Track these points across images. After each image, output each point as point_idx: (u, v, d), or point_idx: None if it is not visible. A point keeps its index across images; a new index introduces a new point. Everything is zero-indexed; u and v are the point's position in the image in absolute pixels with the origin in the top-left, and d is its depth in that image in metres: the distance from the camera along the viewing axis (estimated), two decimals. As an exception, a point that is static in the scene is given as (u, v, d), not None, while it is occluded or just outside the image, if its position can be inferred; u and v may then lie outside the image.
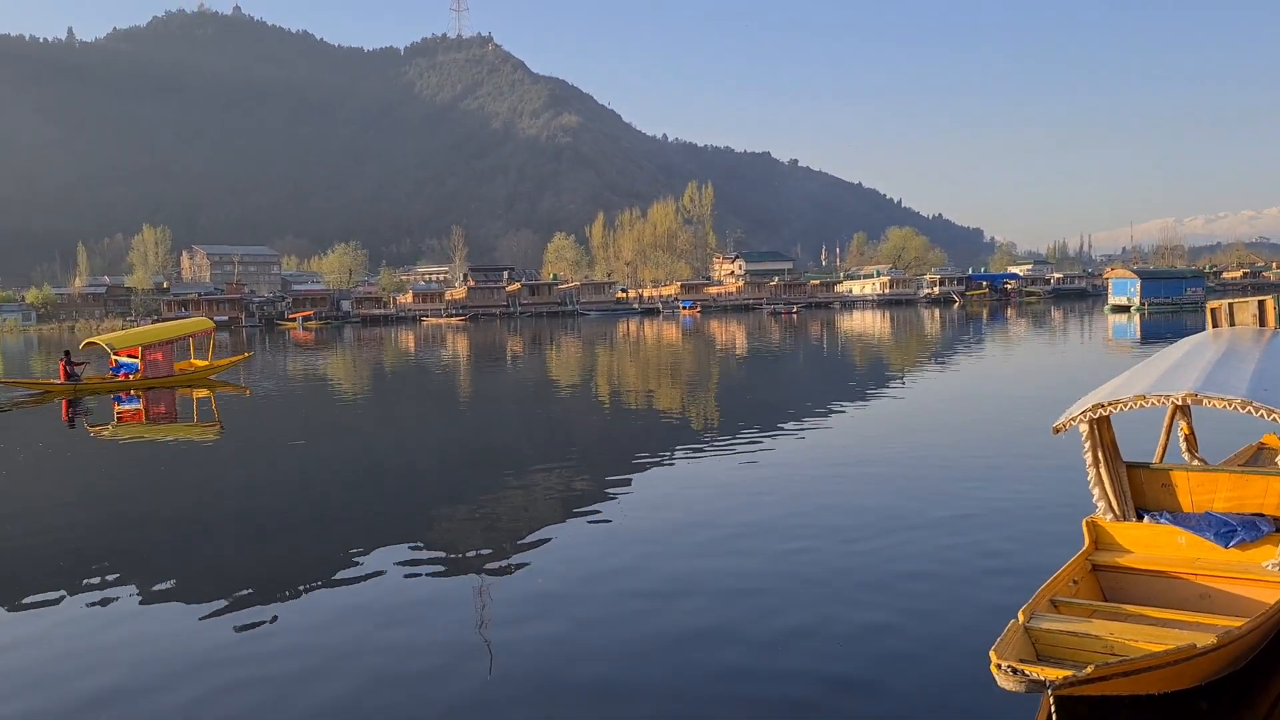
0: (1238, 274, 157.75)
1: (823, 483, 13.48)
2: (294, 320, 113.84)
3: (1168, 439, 9.29)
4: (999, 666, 5.26)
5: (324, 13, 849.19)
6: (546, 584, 9.00)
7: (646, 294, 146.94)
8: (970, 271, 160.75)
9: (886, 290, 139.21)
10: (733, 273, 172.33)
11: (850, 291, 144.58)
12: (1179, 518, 7.49)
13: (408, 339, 71.56)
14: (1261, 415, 6.44)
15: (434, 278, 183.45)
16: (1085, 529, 7.62)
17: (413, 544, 10.73)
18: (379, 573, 9.58)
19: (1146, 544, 7.44)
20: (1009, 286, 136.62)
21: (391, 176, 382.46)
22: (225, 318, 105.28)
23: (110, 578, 9.61)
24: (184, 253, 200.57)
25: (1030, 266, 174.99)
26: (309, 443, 19.89)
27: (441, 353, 53.20)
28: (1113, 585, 7.30)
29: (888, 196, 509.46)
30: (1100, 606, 6.64)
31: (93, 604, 8.82)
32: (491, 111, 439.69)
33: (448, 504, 13.28)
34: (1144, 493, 7.83)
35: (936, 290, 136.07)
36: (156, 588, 9.29)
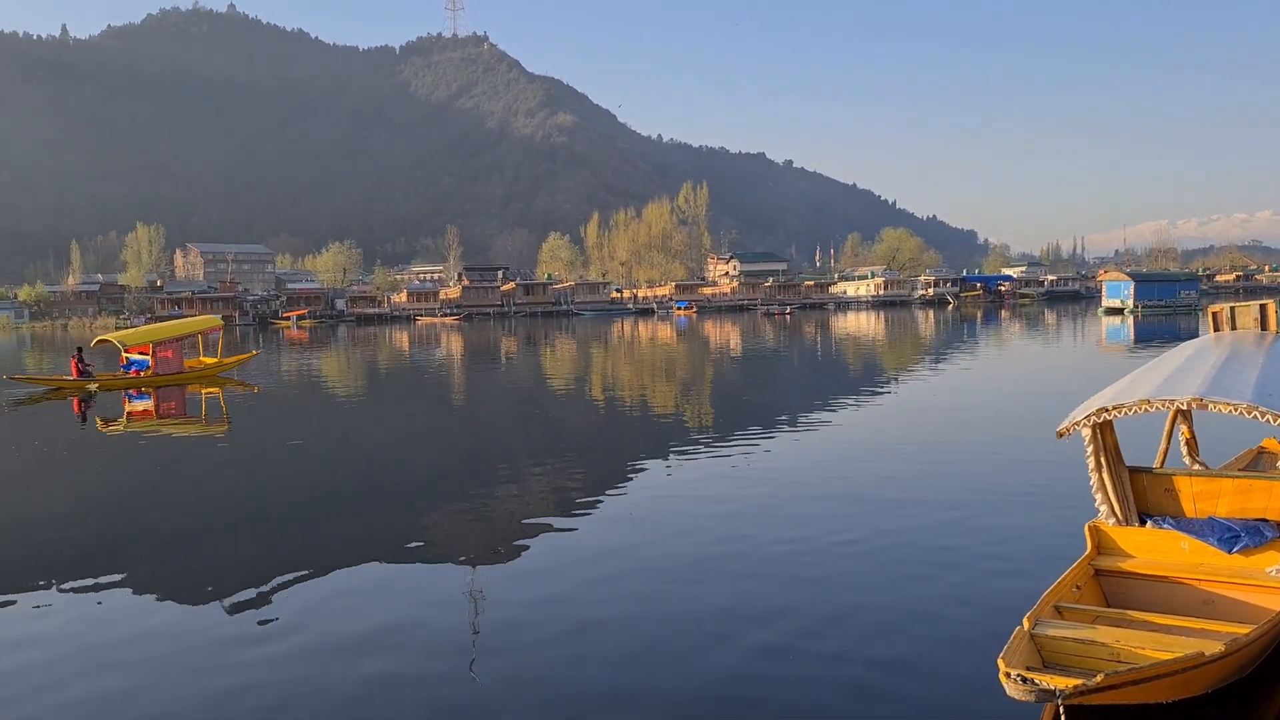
0: (1230, 277, 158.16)
1: (820, 487, 13.44)
2: (288, 319, 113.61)
3: (1169, 443, 9.25)
4: (1008, 675, 5.23)
5: (319, 11, 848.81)
6: (541, 585, 8.94)
7: (641, 294, 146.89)
8: (964, 273, 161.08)
9: (881, 291, 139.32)
10: (727, 273, 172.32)
11: (844, 292, 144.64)
12: (1182, 523, 7.45)
13: (402, 338, 71.44)
14: (1268, 420, 6.42)
15: (429, 277, 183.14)
16: (1088, 534, 7.58)
17: (411, 544, 10.66)
18: (379, 573, 9.51)
19: (1149, 549, 7.40)
20: (1003, 288, 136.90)
21: (386, 175, 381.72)
22: (219, 316, 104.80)
23: (113, 575, 9.52)
24: (178, 251, 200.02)
25: (1024, 268, 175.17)
26: (306, 442, 19.80)
27: (436, 352, 53.11)
28: (1116, 590, 7.26)
29: (882, 198, 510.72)
30: (1104, 612, 6.59)
31: (88, 602, 8.74)
32: (486, 111, 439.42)
33: (442, 504, 13.21)
34: (1146, 497, 7.79)
35: (931, 292, 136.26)
36: (156, 586, 9.21)
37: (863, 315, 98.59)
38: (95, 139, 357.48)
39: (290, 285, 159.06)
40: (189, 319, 39.83)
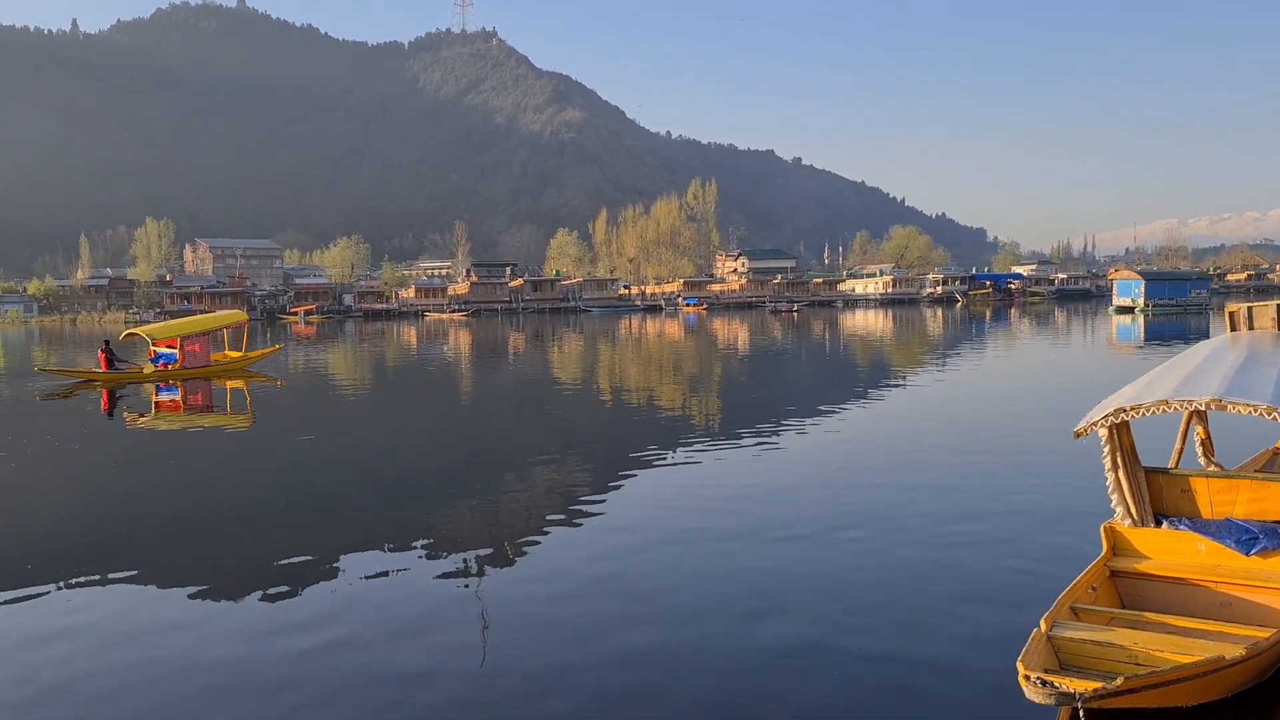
0: (1242, 276, 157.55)
1: (830, 484, 13.36)
2: (296, 314, 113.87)
3: (1184, 444, 9.16)
4: (1027, 678, 5.18)
5: (328, 6, 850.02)
6: (550, 581, 8.89)
7: (649, 291, 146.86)
8: (974, 271, 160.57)
9: (889, 289, 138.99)
10: (735, 270, 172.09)
11: (853, 290, 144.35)
12: (1198, 524, 7.36)
13: (410, 334, 71.48)
14: None
15: (436, 273, 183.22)
16: (1104, 534, 7.50)
17: (420, 540, 10.62)
18: (385, 569, 9.47)
19: (1166, 550, 7.32)
20: (1012, 287, 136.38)
21: (394, 171, 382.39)
22: (224, 311, 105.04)
23: (131, 568, 9.50)
24: (187, 246, 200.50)
25: (1034, 267, 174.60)
26: (318, 438, 19.82)
27: (444, 348, 53.12)
28: (1131, 592, 7.19)
29: (891, 195, 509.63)
30: (1120, 614, 6.53)
31: (104, 593, 8.73)
32: (495, 107, 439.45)
33: (450, 499, 13.17)
34: (1163, 498, 7.70)
35: (939, 290, 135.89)
36: (163, 579, 9.19)
37: (871, 313, 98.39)
38: (105, 133, 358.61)
39: (298, 280, 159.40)
40: (216, 314, 40.40)
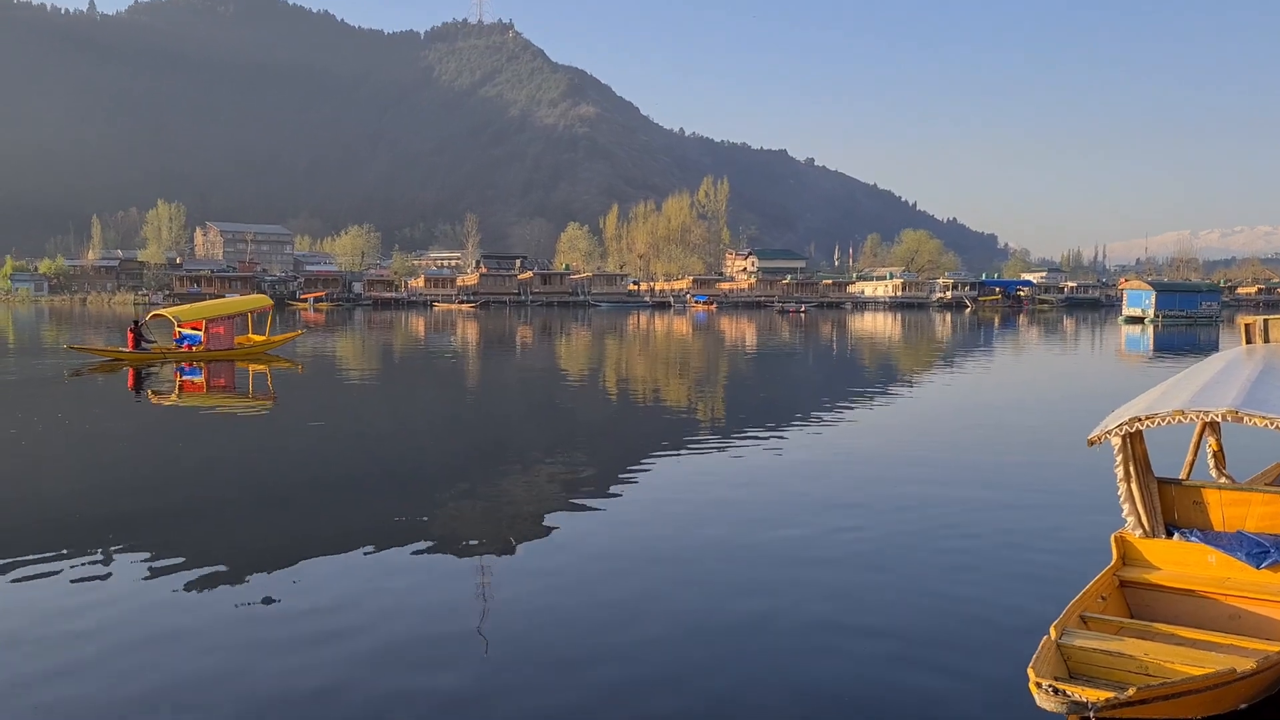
0: (1252, 290, 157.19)
1: (837, 488, 13.30)
2: (305, 300, 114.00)
3: (1195, 455, 9.11)
4: (1038, 685, 5.17)
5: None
6: (551, 574, 8.87)
7: (658, 287, 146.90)
8: (984, 277, 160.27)
9: (899, 293, 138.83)
10: (745, 269, 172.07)
11: (862, 292, 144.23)
12: (1210, 536, 7.32)
13: (418, 324, 71.57)
14: None
15: (446, 263, 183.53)
16: (1114, 544, 7.46)
17: (422, 526, 10.60)
18: (390, 555, 9.46)
19: (1176, 561, 7.28)
20: (1022, 294, 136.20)
21: (407, 160, 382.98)
22: (238, 296, 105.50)
23: (139, 548, 9.52)
24: (198, 229, 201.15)
25: (1044, 274, 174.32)
26: (328, 424, 19.86)
27: (452, 339, 53.17)
28: (1140, 602, 7.15)
29: (903, 199, 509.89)
30: (1129, 624, 6.50)
31: (91, 573, 8.73)
32: (509, 99, 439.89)
33: (456, 490, 13.15)
34: (1174, 509, 7.66)
35: (949, 295, 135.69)
36: (163, 560, 9.17)
37: (880, 316, 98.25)
38: (119, 115, 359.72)
39: (308, 267, 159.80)
40: (241, 298, 40.92)
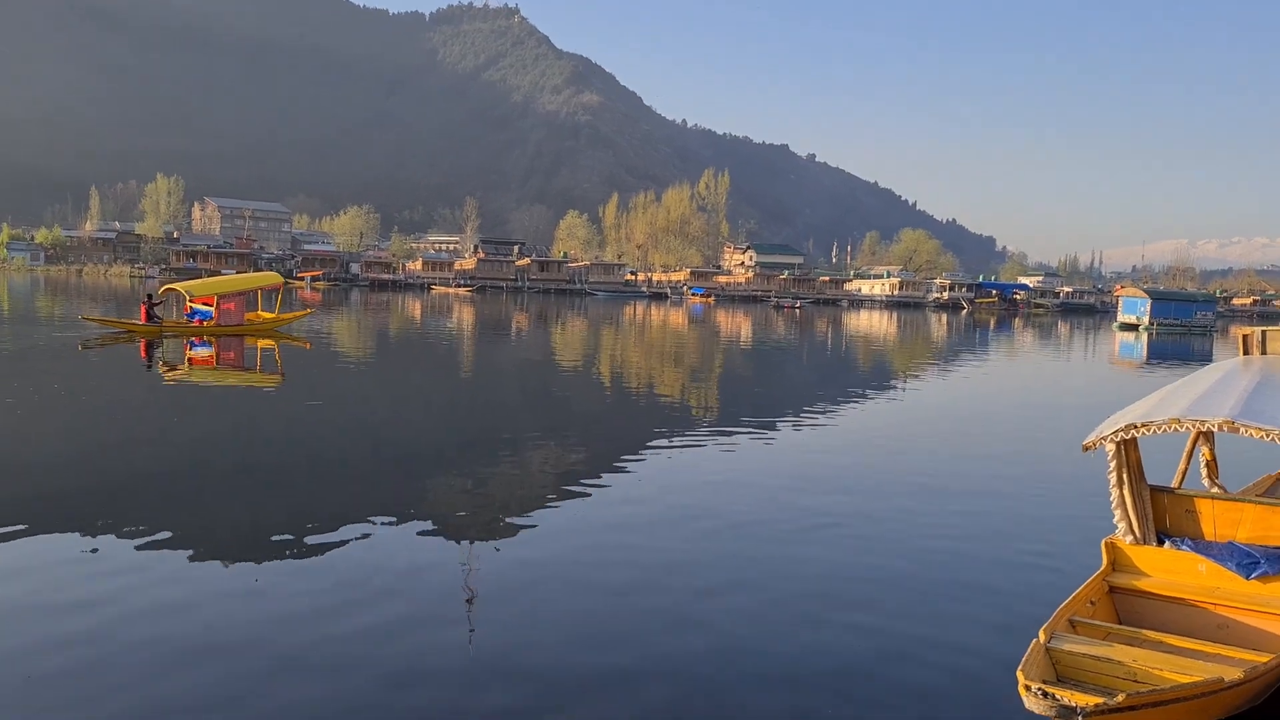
0: (1248, 300, 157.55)
1: (826, 488, 13.30)
2: (302, 279, 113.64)
3: (1188, 464, 9.15)
4: (1028, 688, 5.20)
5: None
6: (539, 564, 8.89)
7: (656, 278, 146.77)
8: (981, 279, 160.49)
9: (895, 292, 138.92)
10: (743, 263, 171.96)
11: (859, 290, 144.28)
12: (1200, 545, 7.36)
13: (414, 306, 71.41)
14: None
15: (444, 247, 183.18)
16: (1104, 550, 7.50)
17: (415, 509, 10.63)
18: (384, 537, 9.48)
19: (1166, 569, 7.33)
20: (1018, 297, 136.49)
21: (409, 143, 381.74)
22: (233, 272, 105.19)
23: (133, 522, 9.52)
24: (196, 204, 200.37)
25: (1041, 278, 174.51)
26: (326, 404, 19.87)
27: (448, 323, 53.08)
28: (1129, 608, 7.19)
29: (903, 198, 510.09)
30: (1117, 629, 6.55)
31: (90, 545, 8.73)
32: (513, 84, 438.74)
33: (445, 474, 13.18)
34: (1166, 517, 7.69)
35: (945, 295, 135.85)
36: (156, 537, 9.17)
37: (876, 314, 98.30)
38: (123, 87, 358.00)
39: (306, 246, 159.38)
40: (253, 274, 41.35)
